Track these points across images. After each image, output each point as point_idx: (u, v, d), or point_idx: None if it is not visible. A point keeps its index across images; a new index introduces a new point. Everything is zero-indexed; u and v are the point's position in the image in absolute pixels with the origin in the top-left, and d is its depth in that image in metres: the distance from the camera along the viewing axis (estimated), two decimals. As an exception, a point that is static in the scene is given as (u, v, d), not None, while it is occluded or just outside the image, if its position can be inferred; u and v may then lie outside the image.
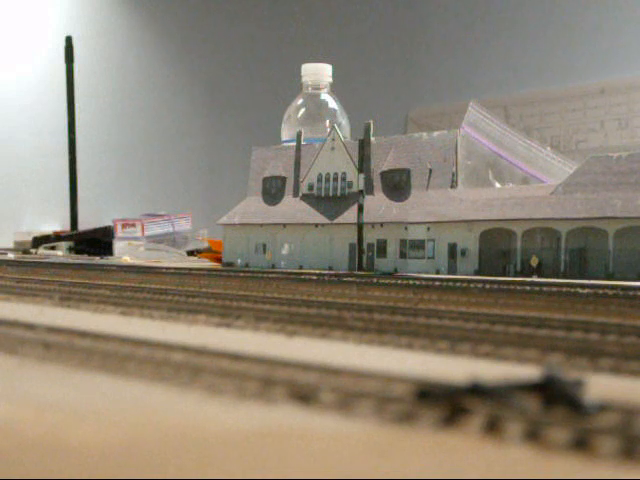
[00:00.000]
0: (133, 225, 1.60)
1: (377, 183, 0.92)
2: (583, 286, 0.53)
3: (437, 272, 0.84)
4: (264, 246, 1.00)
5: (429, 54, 3.62)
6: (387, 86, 3.58)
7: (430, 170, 0.88)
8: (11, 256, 1.46)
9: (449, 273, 0.83)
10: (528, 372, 0.26)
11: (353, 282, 0.65)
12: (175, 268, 0.91)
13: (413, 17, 3.67)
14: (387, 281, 0.64)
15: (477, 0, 3.52)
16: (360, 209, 0.91)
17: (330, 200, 0.95)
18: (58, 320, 0.42)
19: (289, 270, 0.94)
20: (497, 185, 0.91)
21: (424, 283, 0.62)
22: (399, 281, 0.64)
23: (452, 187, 0.87)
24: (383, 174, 0.91)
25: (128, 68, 3.21)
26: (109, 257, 1.46)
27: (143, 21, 3.28)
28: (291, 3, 3.56)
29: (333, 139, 0.96)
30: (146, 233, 1.59)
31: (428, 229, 0.85)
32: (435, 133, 0.90)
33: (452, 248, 0.83)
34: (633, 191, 0.73)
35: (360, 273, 0.87)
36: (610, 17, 3.06)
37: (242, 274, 0.78)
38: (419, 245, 0.86)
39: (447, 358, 0.32)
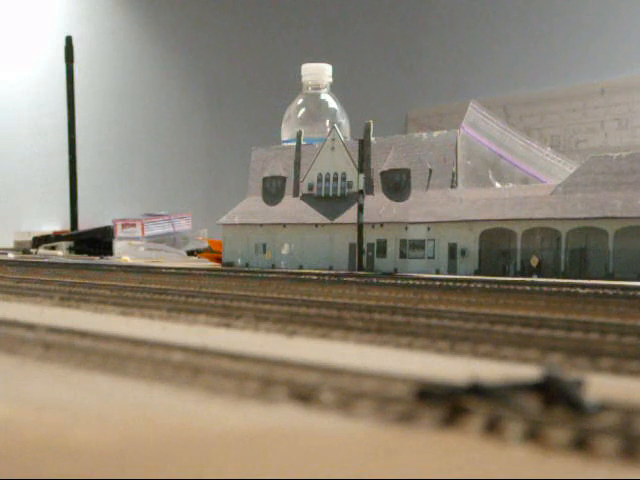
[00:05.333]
0: (133, 225, 1.60)
1: (377, 183, 0.92)
2: (583, 286, 0.53)
3: (437, 272, 0.84)
4: (264, 246, 1.00)
5: (429, 54, 3.62)
6: (387, 86, 3.58)
7: (430, 170, 0.88)
8: (11, 256, 1.46)
9: (449, 273, 0.83)
10: (528, 372, 0.26)
11: (353, 282, 0.65)
12: (175, 268, 0.91)
13: (413, 17, 3.67)
14: (387, 281, 0.64)
15: (477, 0, 3.52)
16: (360, 209, 0.91)
17: (330, 200, 0.95)
18: (58, 320, 0.42)
19: (289, 270, 0.94)
20: (497, 185, 0.91)
21: (424, 283, 0.62)
22: (399, 281, 0.64)
23: (452, 187, 0.87)
24: (383, 174, 0.91)
25: (128, 68, 3.21)
26: (109, 257, 1.46)
27: (143, 21, 3.28)
28: (291, 3, 3.56)
29: (333, 139, 0.96)
30: (146, 233, 1.59)
31: (428, 229, 0.85)
32: (435, 133, 0.90)
33: (452, 248, 0.83)
34: (633, 191, 0.73)
35: (360, 273, 0.87)
36: (610, 17, 3.06)
37: (242, 274, 0.78)
38: (419, 245, 0.86)
39: (447, 358, 0.32)
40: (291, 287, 0.62)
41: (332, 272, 0.88)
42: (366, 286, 0.61)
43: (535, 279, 0.75)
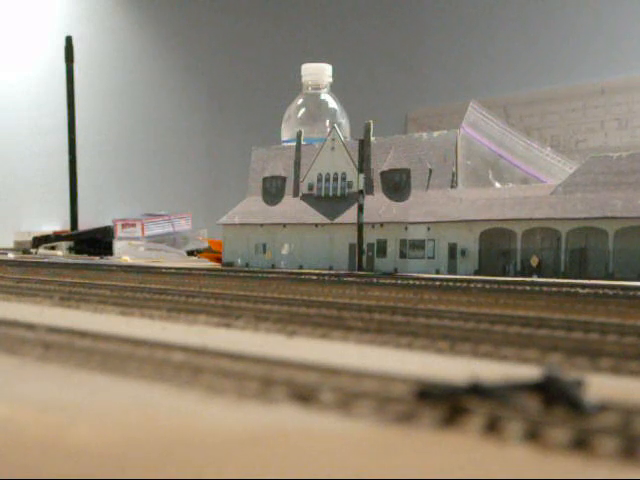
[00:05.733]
0: (133, 225, 1.60)
1: (377, 183, 0.92)
2: (583, 286, 0.53)
3: (437, 272, 0.84)
4: (264, 246, 1.00)
5: (429, 54, 3.62)
6: (387, 86, 3.58)
7: (430, 170, 0.88)
8: (11, 256, 1.46)
9: (449, 273, 0.83)
10: (528, 372, 0.26)
11: (353, 282, 0.65)
12: (175, 268, 0.91)
13: (413, 17, 3.67)
14: (387, 281, 0.64)
15: (477, 0, 3.52)
16: (360, 209, 0.91)
17: (330, 200, 0.95)
18: (58, 320, 0.42)
19: (289, 270, 0.94)
20: (497, 185, 0.91)
21: (424, 283, 0.62)
22: (399, 281, 0.64)
23: (452, 187, 0.87)
24: (383, 174, 0.91)
25: (128, 68, 3.21)
26: (109, 257, 1.46)
27: (143, 21, 3.28)
28: (291, 3, 3.56)
29: (333, 139, 0.96)
30: (146, 233, 1.59)
31: (428, 229, 0.85)
32: (435, 133, 0.90)
33: (452, 248, 0.83)
34: (633, 191, 0.73)
35: (360, 273, 0.87)
36: (610, 17, 3.06)
37: (242, 274, 0.78)
38: (419, 245, 0.86)
39: (447, 358, 0.32)
40: (291, 287, 0.62)
41: (332, 272, 0.88)
42: (366, 286, 0.61)
43: (535, 279, 0.75)
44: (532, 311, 0.43)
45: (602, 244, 0.74)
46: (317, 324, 0.40)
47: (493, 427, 0.21)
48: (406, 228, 0.87)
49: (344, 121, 1.19)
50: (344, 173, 0.94)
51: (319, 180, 0.96)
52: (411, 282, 0.62)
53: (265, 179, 1.03)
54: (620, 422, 0.20)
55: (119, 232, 1.60)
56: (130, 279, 0.73)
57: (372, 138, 0.93)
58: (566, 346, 0.32)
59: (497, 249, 0.81)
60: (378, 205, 0.90)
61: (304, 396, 0.24)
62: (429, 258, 0.85)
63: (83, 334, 0.34)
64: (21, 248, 1.77)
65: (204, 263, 1.18)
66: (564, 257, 0.76)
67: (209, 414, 0.23)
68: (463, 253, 0.82)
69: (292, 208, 0.99)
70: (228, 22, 3.41)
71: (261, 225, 1.01)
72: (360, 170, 0.92)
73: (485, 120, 0.92)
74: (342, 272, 0.88)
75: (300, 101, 1.20)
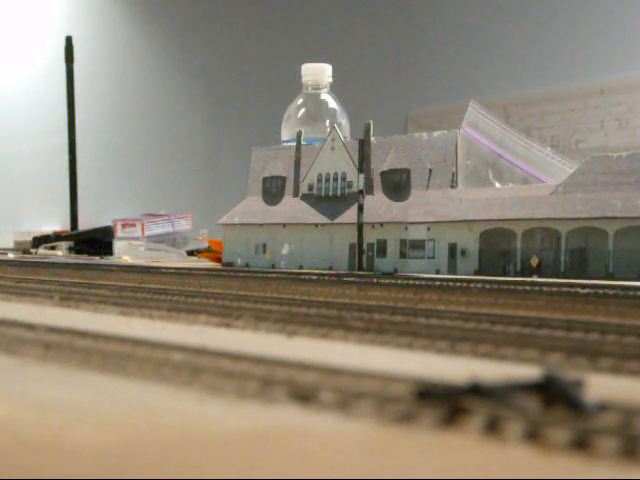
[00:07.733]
0: (133, 225, 1.60)
1: (377, 183, 0.92)
2: (583, 286, 0.53)
3: (437, 272, 0.84)
4: (264, 246, 1.00)
5: (429, 54, 3.62)
6: (387, 86, 3.58)
7: (430, 170, 0.88)
8: (11, 256, 1.46)
9: (449, 273, 0.83)
10: (528, 372, 0.26)
11: (353, 282, 0.65)
12: (175, 268, 0.91)
13: (413, 17, 3.67)
14: (387, 281, 0.64)
15: (477, 0, 3.52)
16: (360, 209, 0.91)
17: (330, 200, 0.95)
18: (58, 320, 0.42)
19: (289, 270, 0.94)
20: (497, 185, 0.91)
21: (424, 283, 0.62)
22: (399, 281, 0.64)
23: (452, 187, 0.87)
24: (383, 174, 0.91)
25: (128, 68, 3.21)
26: (109, 257, 1.46)
27: (143, 21, 3.28)
28: (291, 3, 3.56)
29: (333, 139, 0.96)
30: (146, 233, 1.59)
31: (428, 229, 0.85)
32: (435, 133, 0.90)
33: (452, 248, 0.83)
34: (633, 191, 0.73)
35: (360, 273, 0.87)
36: (610, 17, 3.06)
37: (242, 274, 0.78)
38: (419, 245, 0.86)
39: (447, 358, 0.32)
40: (291, 287, 0.62)
41: (332, 272, 0.88)
42: (366, 286, 0.61)
43: (535, 279, 0.75)
44: (532, 311, 0.43)
45: (602, 244, 0.74)
46: (317, 324, 0.40)
47: (493, 427, 0.21)
48: (406, 228, 0.87)
49: (344, 121, 1.19)
50: (344, 173, 0.94)
51: (319, 180, 0.96)
52: (411, 282, 0.62)
53: (265, 179, 1.03)
54: (620, 422, 0.20)
55: (119, 232, 1.60)
56: (130, 279, 0.73)
57: (372, 138, 0.93)
58: (566, 346, 0.32)
59: (497, 249, 0.81)
60: (378, 205, 0.90)
61: (304, 396, 0.24)
62: (429, 258, 0.85)
63: (83, 334, 0.34)
64: (21, 248, 1.77)
65: (204, 263, 1.18)
66: (564, 257, 0.76)
67: (209, 414, 0.23)
68: (463, 253, 0.82)
69: (292, 208, 0.99)
70: (228, 22, 3.41)
71: (261, 225, 1.01)
72: (360, 170, 0.92)
73: (485, 120, 0.92)
74: (342, 272, 0.88)
75: (300, 101, 1.20)
